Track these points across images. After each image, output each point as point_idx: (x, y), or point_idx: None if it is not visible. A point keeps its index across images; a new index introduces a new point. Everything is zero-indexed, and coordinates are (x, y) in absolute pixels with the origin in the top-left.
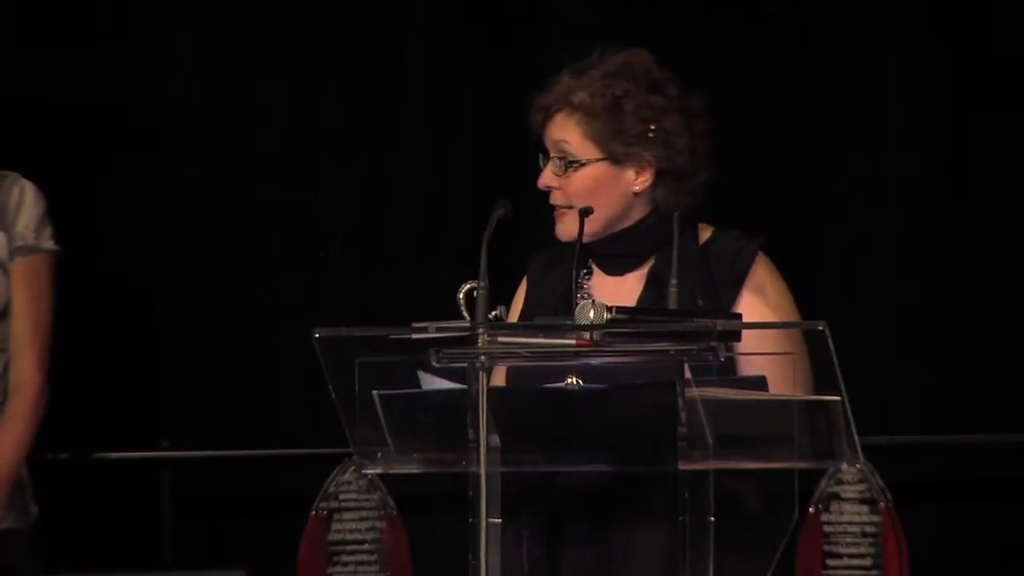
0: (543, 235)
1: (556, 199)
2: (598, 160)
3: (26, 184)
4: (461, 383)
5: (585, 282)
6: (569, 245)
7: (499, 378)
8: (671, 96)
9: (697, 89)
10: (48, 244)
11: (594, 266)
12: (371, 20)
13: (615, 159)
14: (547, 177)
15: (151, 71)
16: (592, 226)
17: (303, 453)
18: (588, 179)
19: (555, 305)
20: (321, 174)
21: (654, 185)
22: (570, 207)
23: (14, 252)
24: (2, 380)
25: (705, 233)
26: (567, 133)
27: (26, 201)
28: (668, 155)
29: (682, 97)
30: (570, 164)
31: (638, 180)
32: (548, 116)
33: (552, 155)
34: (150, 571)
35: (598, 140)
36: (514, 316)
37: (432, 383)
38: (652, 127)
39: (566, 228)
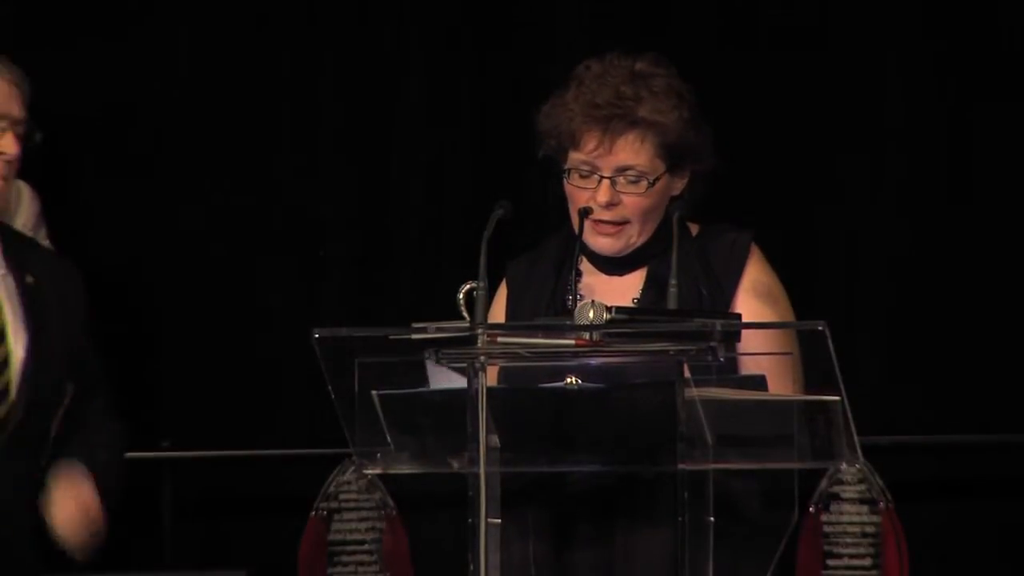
0: (542, 235)
1: (613, 215)
2: (664, 173)
3: (22, 184)
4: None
5: (576, 283)
6: (550, 248)
7: (491, 379)
8: (695, 101)
9: (698, 89)
10: (44, 243)
11: (587, 267)
12: (371, 20)
13: (672, 170)
14: (609, 195)
15: (151, 71)
16: (642, 237)
17: (303, 453)
18: (658, 194)
19: (545, 306)
20: (321, 173)
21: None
22: (624, 222)
23: None
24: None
25: (694, 229)
26: (641, 155)
27: (23, 201)
28: (705, 160)
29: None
30: (651, 184)
31: (678, 186)
32: (608, 133)
33: (613, 174)
34: (150, 571)
35: (667, 157)
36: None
37: (440, 375)
38: (710, 138)
39: (613, 243)
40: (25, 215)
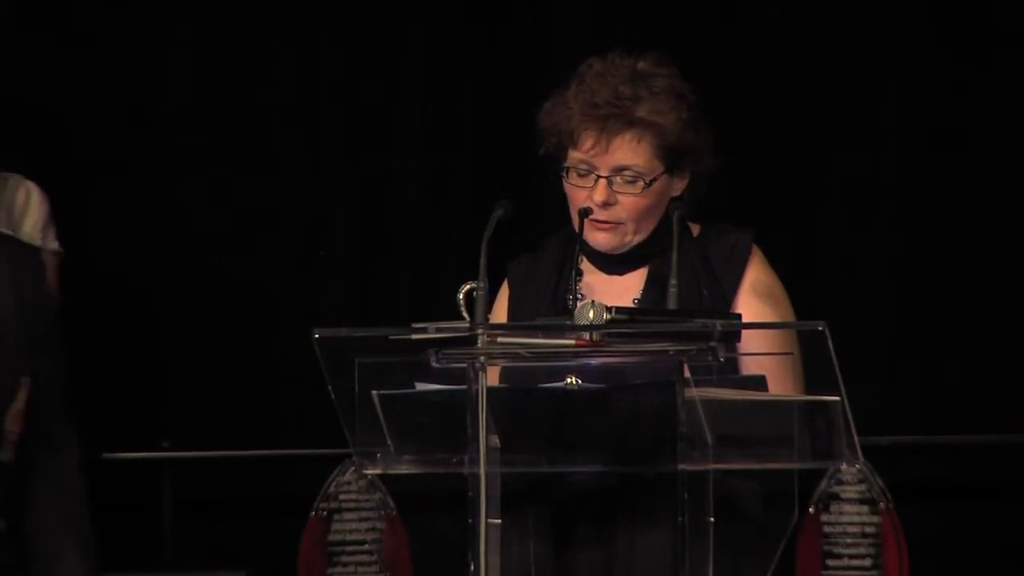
0: (542, 235)
1: (609, 215)
2: (661, 174)
3: (31, 186)
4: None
5: (577, 283)
6: (551, 248)
7: (493, 380)
8: (696, 102)
9: (699, 87)
10: (53, 245)
11: (588, 267)
12: (371, 19)
13: (671, 171)
14: (605, 194)
15: (151, 71)
16: (638, 236)
17: (303, 453)
18: (656, 195)
19: (546, 306)
20: (321, 174)
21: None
22: (620, 222)
23: None
24: None
25: (695, 229)
26: (638, 156)
27: (32, 202)
28: (705, 161)
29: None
30: (648, 184)
31: (679, 186)
32: (605, 132)
33: (610, 174)
34: (150, 571)
35: (665, 158)
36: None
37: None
38: (710, 139)
39: (609, 239)
40: (34, 217)
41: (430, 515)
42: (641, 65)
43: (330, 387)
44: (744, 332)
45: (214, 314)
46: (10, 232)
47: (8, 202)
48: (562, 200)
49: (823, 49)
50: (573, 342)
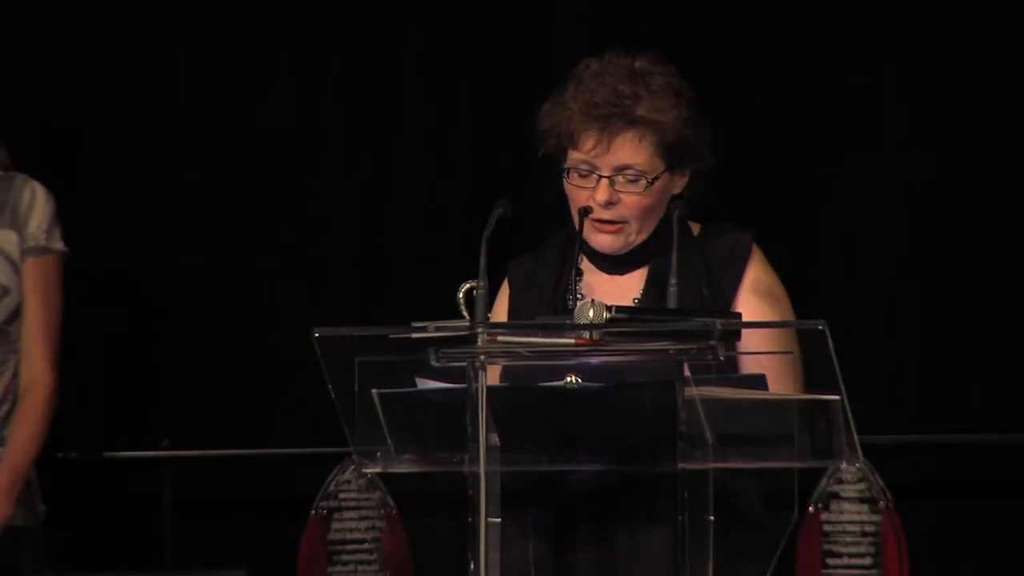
0: (542, 235)
1: (612, 214)
2: (663, 172)
3: (36, 185)
4: (455, 384)
5: (577, 283)
6: (552, 248)
7: (494, 379)
8: (694, 99)
9: (698, 88)
10: (58, 245)
11: (588, 267)
12: (371, 20)
13: (672, 169)
14: (607, 194)
15: (151, 71)
16: (641, 235)
17: (303, 453)
18: (658, 193)
19: (546, 306)
20: (321, 174)
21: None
22: (624, 221)
23: (26, 252)
24: (15, 379)
25: (696, 228)
26: (639, 154)
27: (37, 202)
28: (705, 158)
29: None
30: (650, 183)
31: (679, 184)
32: (606, 132)
33: (611, 173)
34: (150, 571)
35: (666, 156)
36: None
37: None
38: (709, 136)
39: (613, 241)
40: (40, 216)
41: (430, 515)
42: (638, 64)
43: (330, 386)
44: (744, 331)
45: (214, 314)
46: None
47: (13, 202)
48: (562, 200)
49: (823, 49)
50: (573, 341)
